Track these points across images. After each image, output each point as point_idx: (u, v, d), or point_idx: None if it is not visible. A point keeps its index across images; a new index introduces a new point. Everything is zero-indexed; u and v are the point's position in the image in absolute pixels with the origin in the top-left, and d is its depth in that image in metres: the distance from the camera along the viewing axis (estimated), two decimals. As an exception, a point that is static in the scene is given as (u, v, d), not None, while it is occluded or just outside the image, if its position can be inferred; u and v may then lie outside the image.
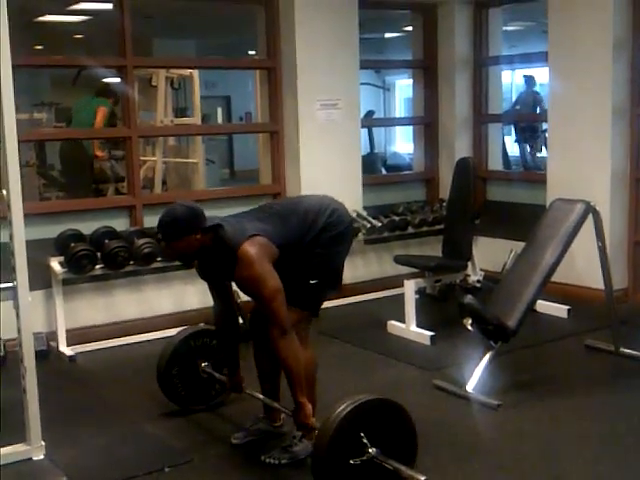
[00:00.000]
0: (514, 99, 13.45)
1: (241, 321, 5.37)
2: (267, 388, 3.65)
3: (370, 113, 12.65)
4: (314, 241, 3.36)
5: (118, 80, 5.99)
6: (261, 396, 3.63)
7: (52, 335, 5.12)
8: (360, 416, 2.90)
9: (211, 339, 3.98)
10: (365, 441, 2.87)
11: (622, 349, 4.68)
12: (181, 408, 4.01)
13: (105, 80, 8.26)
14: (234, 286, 3.48)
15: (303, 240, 3.35)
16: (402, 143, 17.06)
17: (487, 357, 4.22)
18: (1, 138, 3.28)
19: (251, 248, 3.17)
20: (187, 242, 3.21)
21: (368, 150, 12.01)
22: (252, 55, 10.57)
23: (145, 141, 8.81)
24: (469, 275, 5.88)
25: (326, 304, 3.57)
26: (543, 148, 11.39)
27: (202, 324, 4.30)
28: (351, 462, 2.85)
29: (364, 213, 6.20)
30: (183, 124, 9.25)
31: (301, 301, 3.35)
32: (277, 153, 6.16)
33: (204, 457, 3.54)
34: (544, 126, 9.38)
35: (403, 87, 18.49)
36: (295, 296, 3.27)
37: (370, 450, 2.88)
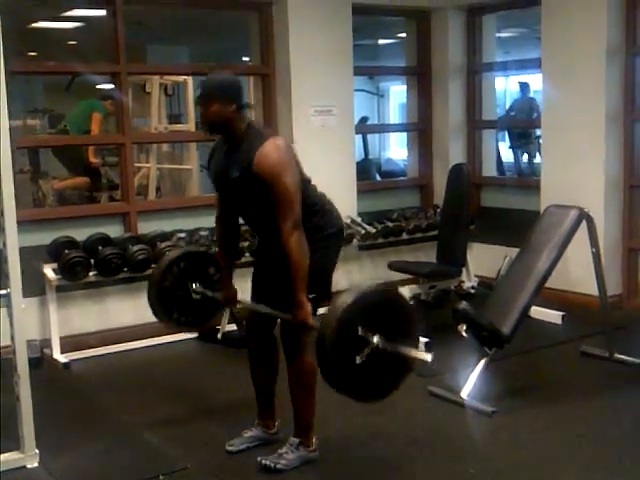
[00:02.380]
0: (509, 105, 13.47)
1: (235, 327, 5.39)
2: (263, 399, 3.64)
3: (364, 119, 12.66)
4: (310, 232, 3.28)
5: (111, 86, 5.98)
6: (252, 304, 3.54)
7: (46, 342, 5.10)
8: (358, 310, 2.90)
9: (199, 261, 3.82)
10: (364, 334, 2.88)
11: (617, 355, 4.69)
12: (178, 330, 3.97)
13: (101, 90, 8.27)
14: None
15: (308, 203, 3.31)
16: (396, 149, 17.07)
17: (482, 363, 4.22)
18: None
19: (282, 141, 3.25)
20: (221, 109, 3.19)
21: (362, 156, 12.01)
22: (246, 61, 10.57)
23: (139, 148, 8.81)
24: (463, 281, 5.89)
25: (321, 311, 3.56)
26: (537, 154, 11.41)
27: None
28: (357, 361, 2.86)
29: (358, 219, 6.20)
30: (177, 130, 9.24)
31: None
32: (271, 159, 6.15)
33: (199, 464, 3.53)
34: (538, 132, 9.39)
35: (397, 93, 18.52)
36: (292, 305, 3.23)
37: (373, 339, 2.88)
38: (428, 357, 2.88)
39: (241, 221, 3.58)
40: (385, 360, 2.92)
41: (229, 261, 3.63)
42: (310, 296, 3.22)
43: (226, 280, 3.62)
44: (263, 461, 3.42)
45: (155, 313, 3.78)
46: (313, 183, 3.50)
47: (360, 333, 2.87)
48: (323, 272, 3.39)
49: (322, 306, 3.38)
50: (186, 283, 3.75)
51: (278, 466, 3.39)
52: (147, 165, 8.87)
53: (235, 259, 3.67)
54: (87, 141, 8.00)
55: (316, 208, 3.38)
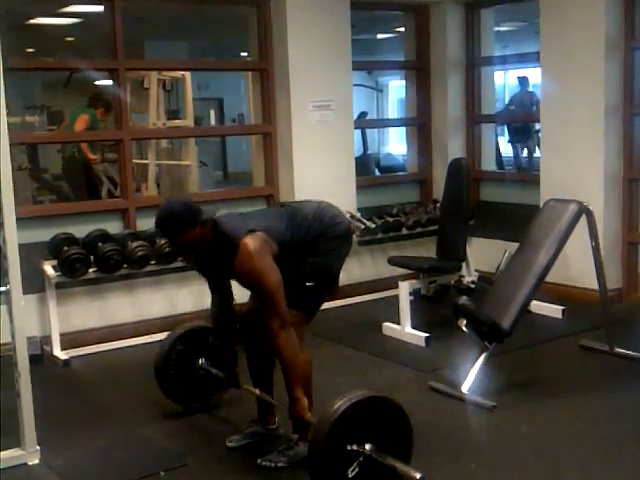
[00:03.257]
0: (508, 99, 13.46)
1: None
2: (260, 391, 3.64)
3: (363, 114, 12.65)
4: (312, 244, 3.39)
5: (110, 83, 5.97)
6: (257, 391, 3.62)
7: (46, 339, 5.10)
8: (357, 413, 2.90)
9: (207, 336, 3.97)
10: (357, 445, 2.88)
11: (617, 349, 4.69)
12: (181, 406, 4.00)
13: (97, 87, 8.32)
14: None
15: (301, 242, 3.37)
16: (395, 144, 17.07)
17: (482, 358, 4.22)
18: (-7, 142, 3.27)
19: (252, 241, 3.18)
20: (187, 236, 3.22)
21: (361, 151, 12.01)
22: (244, 57, 10.56)
23: (138, 144, 8.80)
24: (463, 276, 5.88)
25: (325, 305, 3.57)
26: (536, 148, 11.41)
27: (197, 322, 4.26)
28: (349, 472, 2.86)
29: (358, 214, 6.19)
30: (175, 126, 9.23)
31: (298, 303, 3.34)
32: (270, 155, 6.16)
33: (199, 461, 3.53)
34: (537, 126, 9.38)
35: (396, 88, 18.50)
36: (292, 298, 3.26)
37: (365, 449, 2.88)
38: (417, 475, 2.82)
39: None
40: (376, 470, 2.91)
41: (229, 343, 3.70)
42: (308, 284, 3.32)
43: (228, 363, 3.74)
44: (263, 462, 3.43)
45: (166, 395, 4.00)
46: (309, 199, 3.65)
47: (350, 448, 2.87)
48: (326, 269, 3.45)
49: (326, 301, 3.46)
50: (190, 361, 3.94)
51: (279, 464, 3.41)
52: (146, 161, 8.86)
53: (235, 341, 3.70)
54: (85, 137, 8.00)
55: (314, 222, 3.43)
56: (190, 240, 3.22)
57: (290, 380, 3.21)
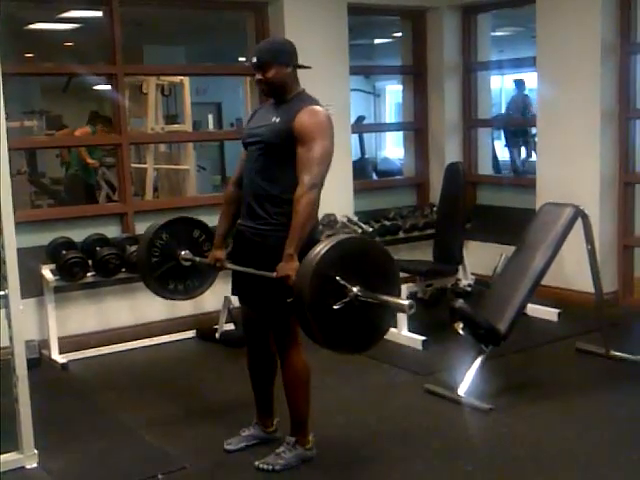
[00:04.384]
0: (505, 104, 13.49)
1: (233, 327, 5.41)
2: (261, 398, 3.66)
3: (360, 119, 12.68)
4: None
5: (108, 87, 5.99)
6: (239, 267, 3.44)
7: (44, 343, 5.11)
8: (335, 259, 2.90)
9: (192, 229, 3.82)
10: (344, 282, 2.89)
11: (612, 352, 4.70)
12: (165, 297, 3.89)
13: (97, 96, 8.42)
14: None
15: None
16: (392, 148, 17.09)
17: (478, 361, 4.24)
18: (-8, 146, 3.29)
19: (327, 113, 3.28)
20: (276, 72, 3.27)
21: (359, 155, 12.03)
22: (242, 61, 10.58)
23: (136, 148, 8.83)
24: (460, 279, 5.90)
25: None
26: (533, 152, 11.44)
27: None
28: (334, 307, 2.87)
29: (355, 218, 6.20)
30: (174, 131, 9.25)
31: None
32: (268, 159, 6.16)
33: (198, 464, 3.54)
34: (533, 130, 9.41)
35: (393, 93, 18.54)
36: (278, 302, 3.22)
37: (352, 288, 2.89)
38: (406, 302, 2.87)
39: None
40: (365, 309, 2.92)
41: (228, 224, 3.57)
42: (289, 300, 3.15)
43: (218, 241, 3.60)
44: (261, 465, 3.43)
45: (152, 290, 3.80)
46: None
47: (338, 280, 2.87)
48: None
49: None
50: (174, 253, 3.75)
51: (277, 467, 3.41)
52: (144, 166, 8.89)
53: (233, 225, 3.57)
54: (84, 142, 8.03)
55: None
56: (279, 77, 3.28)
57: (292, 235, 3.13)
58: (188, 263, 3.76)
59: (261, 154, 3.34)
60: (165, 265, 3.76)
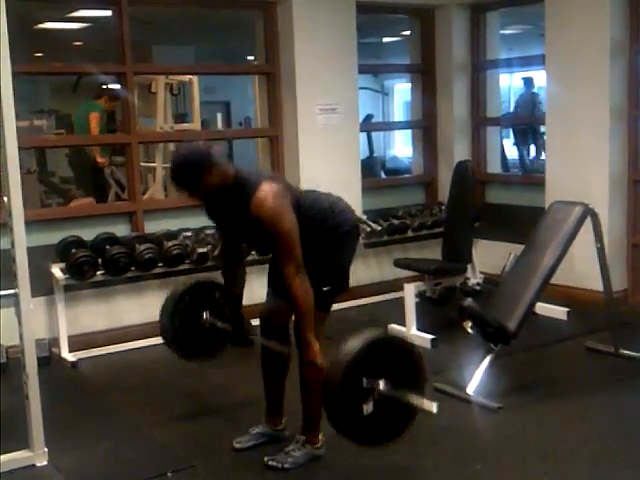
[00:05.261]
0: (514, 102, 13.46)
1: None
2: (272, 396, 3.66)
3: (369, 117, 12.67)
4: (322, 233, 3.36)
5: (118, 86, 6.01)
6: (265, 340, 3.53)
7: (54, 341, 5.14)
8: (362, 360, 2.91)
9: (213, 291, 3.88)
10: (371, 382, 2.90)
11: (622, 350, 4.69)
12: (186, 360, 3.96)
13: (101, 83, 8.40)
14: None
15: (314, 220, 3.34)
16: (401, 147, 17.07)
17: (487, 360, 4.24)
18: (2, 145, 3.30)
19: (271, 185, 3.18)
20: (207, 182, 3.17)
21: (367, 154, 12.02)
22: (251, 60, 10.59)
23: (145, 147, 8.84)
24: (469, 278, 5.90)
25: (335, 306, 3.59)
26: (542, 151, 11.41)
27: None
28: (364, 411, 2.89)
29: (364, 217, 6.21)
30: (183, 130, 9.26)
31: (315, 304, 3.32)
32: (277, 158, 6.18)
33: (206, 462, 3.55)
34: (542, 129, 9.39)
35: (402, 91, 18.51)
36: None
37: (379, 386, 2.91)
38: (433, 407, 2.88)
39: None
40: (391, 406, 2.94)
41: (237, 293, 3.64)
42: (325, 288, 3.30)
43: (235, 313, 3.66)
44: (270, 462, 3.44)
45: (173, 351, 3.93)
46: (314, 191, 3.55)
47: (365, 385, 2.90)
48: (339, 267, 3.45)
49: (338, 299, 3.50)
50: (196, 315, 3.83)
51: (286, 465, 3.42)
52: (153, 164, 8.90)
53: (242, 290, 3.65)
54: (94, 141, 8.04)
55: (320, 216, 3.39)
56: (209, 186, 3.17)
57: (304, 324, 3.19)
58: (209, 326, 3.84)
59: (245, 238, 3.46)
60: (187, 328, 3.84)
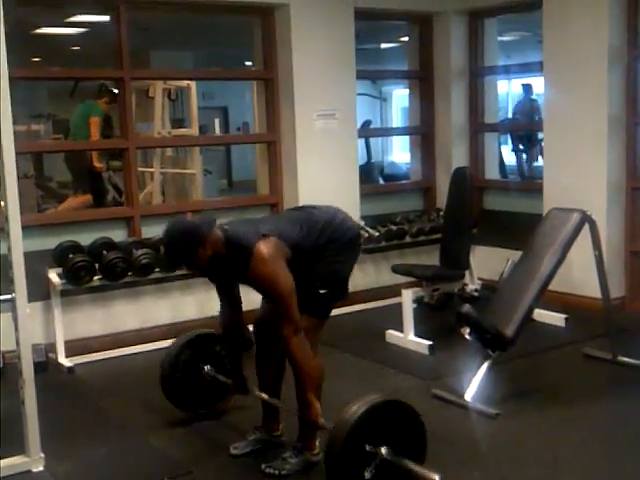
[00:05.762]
0: (513, 108, 13.48)
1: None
2: (269, 403, 3.65)
3: (367, 123, 12.67)
4: (323, 249, 3.39)
5: (115, 92, 6.01)
6: (266, 396, 3.62)
7: (51, 346, 5.12)
8: (373, 416, 2.93)
9: (214, 343, 3.98)
10: (374, 447, 2.91)
11: (620, 357, 4.69)
12: (185, 413, 4.01)
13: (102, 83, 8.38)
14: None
15: (312, 247, 3.38)
16: (399, 153, 17.09)
17: (485, 366, 4.23)
18: (-1, 150, 3.30)
19: (265, 247, 3.19)
20: (201, 256, 3.21)
21: (365, 160, 12.03)
22: (249, 66, 10.60)
23: (143, 152, 8.84)
24: (467, 284, 5.89)
25: (335, 311, 3.59)
26: (539, 157, 11.42)
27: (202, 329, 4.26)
28: (366, 474, 2.90)
29: (362, 223, 6.21)
30: (180, 135, 9.27)
31: (311, 308, 3.36)
32: (274, 163, 6.18)
33: (203, 468, 3.54)
34: (540, 135, 9.40)
35: (400, 97, 18.54)
36: (305, 303, 3.28)
37: (381, 451, 2.91)
38: (436, 478, 2.88)
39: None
40: (392, 473, 2.94)
41: (237, 351, 3.69)
42: (322, 291, 3.33)
43: (235, 370, 3.72)
44: (267, 469, 3.43)
45: (171, 402, 3.99)
46: (317, 204, 3.61)
47: (368, 449, 2.90)
48: (338, 275, 3.47)
49: (338, 306, 3.52)
50: (196, 367, 3.92)
51: (283, 472, 3.41)
52: (151, 169, 8.91)
53: (243, 349, 3.69)
54: (91, 146, 8.04)
55: (325, 227, 3.43)
56: (205, 258, 3.22)
57: (303, 385, 3.23)
58: (210, 379, 3.94)
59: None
60: (188, 380, 3.94)
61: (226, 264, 3.30)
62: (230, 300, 3.59)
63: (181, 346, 3.96)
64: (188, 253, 3.22)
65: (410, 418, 3.05)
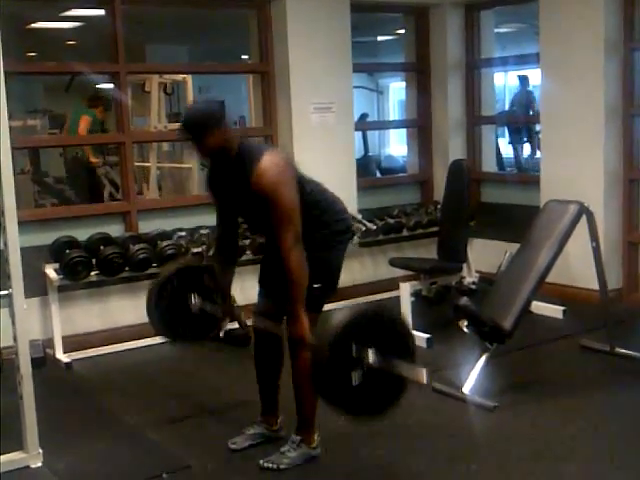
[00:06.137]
0: (510, 100, 13.46)
1: (237, 326, 5.39)
2: (266, 396, 3.65)
3: (364, 116, 12.67)
4: (317, 224, 3.36)
5: (111, 86, 5.99)
6: (250, 322, 3.55)
7: (48, 342, 5.10)
8: (350, 332, 2.89)
9: (202, 275, 3.79)
10: (360, 352, 2.88)
11: (617, 349, 4.70)
12: (174, 342, 3.92)
13: (96, 87, 8.37)
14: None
15: (313, 204, 3.35)
16: (396, 146, 17.07)
17: (483, 359, 4.23)
18: (-5, 146, 3.29)
19: (274, 156, 3.21)
20: (211, 138, 3.18)
21: (362, 153, 12.02)
22: (245, 59, 10.57)
23: (139, 147, 8.82)
24: (464, 277, 5.89)
25: (327, 307, 3.57)
26: (537, 149, 11.42)
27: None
28: (353, 383, 2.87)
29: (359, 216, 6.20)
30: (177, 129, 9.23)
31: (306, 303, 3.32)
32: (271, 157, 6.16)
33: (202, 463, 3.54)
34: (537, 127, 9.40)
35: (396, 90, 18.51)
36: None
37: (368, 358, 2.88)
38: (424, 377, 2.85)
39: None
40: (381, 377, 2.92)
41: (229, 270, 3.60)
42: (315, 285, 3.27)
43: (225, 293, 3.62)
44: (265, 463, 3.43)
45: (158, 332, 3.80)
46: (316, 181, 3.51)
47: (354, 354, 2.87)
48: (330, 267, 3.44)
49: (329, 300, 3.45)
50: (184, 298, 3.73)
51: (281, 466, 3.41)
52: (148, 164, 8.89)
53: (234, 268, 3.63)
54: (87, 141, 8.03)
55: (320, 205, 3.41)
56: (212, 144, 3.19)
57: (294, 297, 3.17)
58: (197, 310, 3.75)
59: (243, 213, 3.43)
60: (175, 309, 3.73)
61: (232, 171, 3.26)
62: (228, 226, 3.53)
63: (168, 276, 3.75)
64: (200, 127, 3.18)
65: (396, 324, 3.03)
